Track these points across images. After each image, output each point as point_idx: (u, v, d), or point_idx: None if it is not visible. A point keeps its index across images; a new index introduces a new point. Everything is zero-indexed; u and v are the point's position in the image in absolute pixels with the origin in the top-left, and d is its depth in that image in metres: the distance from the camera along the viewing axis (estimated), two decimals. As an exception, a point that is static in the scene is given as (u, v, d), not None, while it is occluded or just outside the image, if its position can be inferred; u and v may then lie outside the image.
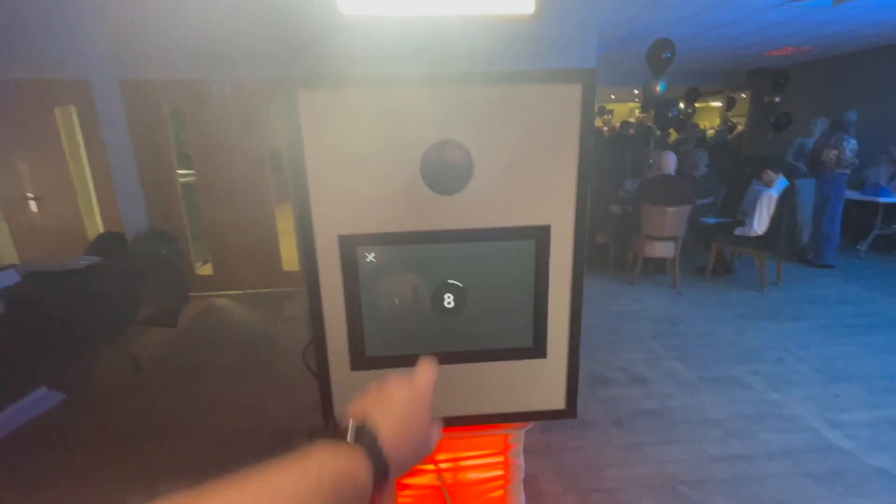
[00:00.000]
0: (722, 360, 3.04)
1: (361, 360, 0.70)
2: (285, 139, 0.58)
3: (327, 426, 0.72)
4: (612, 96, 12.79)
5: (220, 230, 4.48)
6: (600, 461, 2.13)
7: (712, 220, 4.93)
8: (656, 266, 4.97)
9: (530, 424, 0.81)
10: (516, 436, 0.82)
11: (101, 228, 4.30)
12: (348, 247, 0.65)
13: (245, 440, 2.31)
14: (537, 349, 0.72)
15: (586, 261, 3.16)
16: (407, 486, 0.81)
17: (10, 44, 2.89)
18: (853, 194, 5.43)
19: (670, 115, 5.08)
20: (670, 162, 4.24)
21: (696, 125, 7.12)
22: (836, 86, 7.47)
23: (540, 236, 0.67)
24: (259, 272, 4.58)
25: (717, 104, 12.45)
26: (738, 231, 4.38)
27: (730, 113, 10.90)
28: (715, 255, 4.61)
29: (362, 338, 0.69)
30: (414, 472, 0.80)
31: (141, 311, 3.29)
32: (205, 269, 4.78)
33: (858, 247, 5.52)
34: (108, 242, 3.98)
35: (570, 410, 0.74)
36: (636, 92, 11.64)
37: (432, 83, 0.59)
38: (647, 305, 4.04)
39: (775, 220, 4.06)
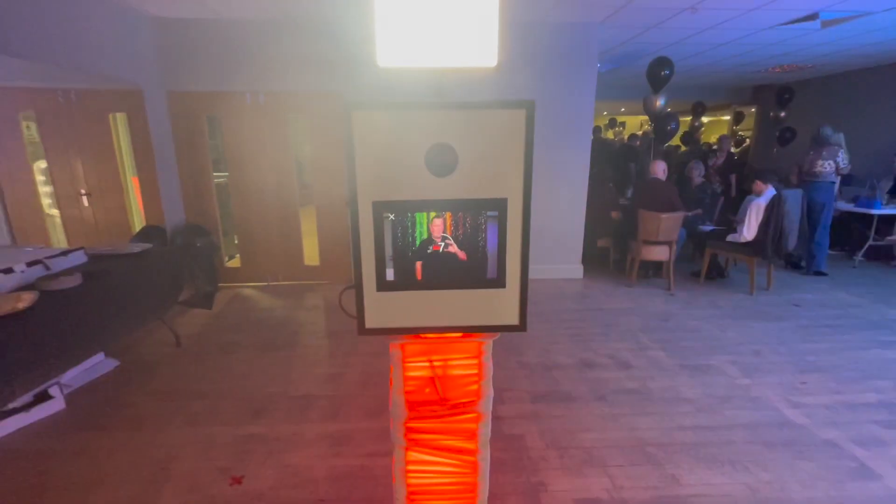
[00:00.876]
0: (702, 352, 3.33)
1: (383, 284, 1.06)
2: (343, 142, 0.95)
3: (361, 325, 1.09)
4: (623, 109, 13.08)
5: (248, 227, 4.92)
6: (580, 426, 2.45)
7: (708, 228, 5.21)
8: (655, 270, 5.25)
9: (498, 335, 1.15)
10: (487, 344, 1.16)
11: (143, 222, 4.77)
12: (377, 210, 1.02)
13: (273, 401, 2.68)
14: (500, 282, 1.07)
15: (588, 263, 3.61)
16: (411, 378, 1.16)
17: (73, 56, 3.36)
18: (847, 206, 5.65)
19: (670, 128, 5.39)
20: (659, 168, 4.56)
21: (728, 137, 7.41)
22: (840, 102, 7.68)
23: (501, 205, 1.02)
24: (282, 266, 5.00)
25: (728, 118, 12.64)
26: (729, 237, 4.66)
27: (738, 127, 11.12)
28: (708, 259, 4.88)
29: (384, 269, 1.05)
30: (415, 368, 1.15)
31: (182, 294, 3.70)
32: (233, 262, 5.22)
33: (854, 257, 5.72)
34: (151, 234, 4.44)
35: (521, 325, 1.09)
36: (645, 105, 11.88)
37: (433, 108, 0.96)
38: (641, 304, 4.33)
39: (763, 227, 4.33)
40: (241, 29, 4.32)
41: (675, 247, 4.63)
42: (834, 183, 5.09)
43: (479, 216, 1.04)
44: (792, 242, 4.38)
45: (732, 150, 9.33)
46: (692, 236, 5.26)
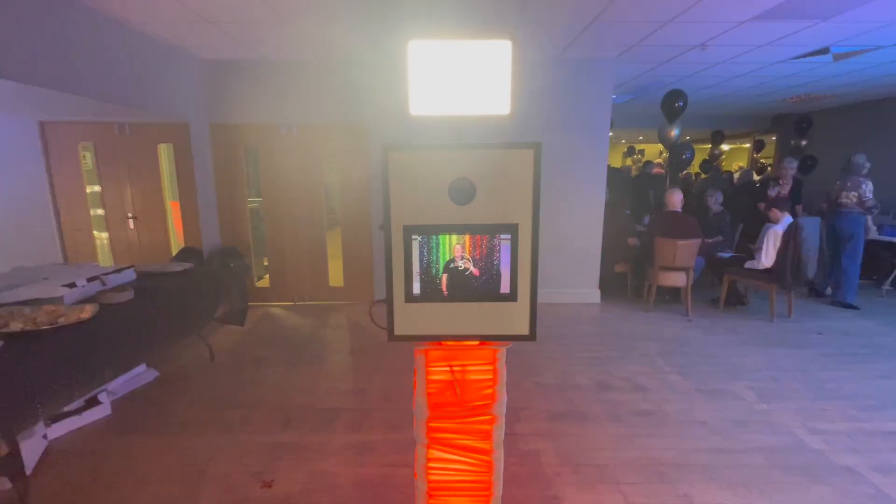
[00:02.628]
0: (720, 377, 3.34)
1: (411, 297, 1.23)
2: (380, 176, 1.14)
3: (391, 332, 1.25)
4: (641, 137, 13.24)
5: (278, 249, 5.21)
6: (595, 445, 2.51)
7: (727, 255, 5.23)
8: (673, 296, 5.27)
9: (511, 344, 1.29)
10: (501, 351, 1.30)
11: (180, 244, 5.10)
12: (407, 232, 1.20)
13: (301, 412, 2.84)
14: (512, 296, 1.23)
15: (606, 288, 3.79)
16: (432, 382, 1.30)
17: (135, 96, 3.76)
18: (873, 235, 5.59)
19: (684, 157, 5.51)
20: (676, 199, 4.66)
21: (794, 161, 5.95)
22: (862, 131, 7.66)
23: (513, 230, 1.19)
24: (309, 287, 5.24)
25: (748, 145, 12.62)
26: (748, 264, 4.68)
27: (759, 155, 11.09)
28: (727, 286, 4.89)
29: (412, 284, 1.22)
30: (436, 372, 1.29)
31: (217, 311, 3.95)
32: (262, 282, 5.49)
33: (882, 286, 5.61)
34: (189, 255, 4.76)
35: (531, 335, 1.24)
36: (664, 133, 11.98)
37: (455, 148, 1.14)
38: (658, 329, 4.36)
39: (781, 255, 4.35)
40: (278, 68, 4.71)
41: (692, 273, 4.67)
42: (862, 214, 4.90)
43: (493, 239, 1.21)
44: (811, 270, 4.37)
45: (755, 176, 9.29)
46: (711, 263, 5.28)
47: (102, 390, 2.87)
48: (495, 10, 3.28)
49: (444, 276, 1.24)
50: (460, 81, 1.16)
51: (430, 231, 1.20)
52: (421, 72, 1.15)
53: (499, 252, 1.21)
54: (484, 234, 1.21)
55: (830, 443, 2.53)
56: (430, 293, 1.24)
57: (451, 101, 1.17)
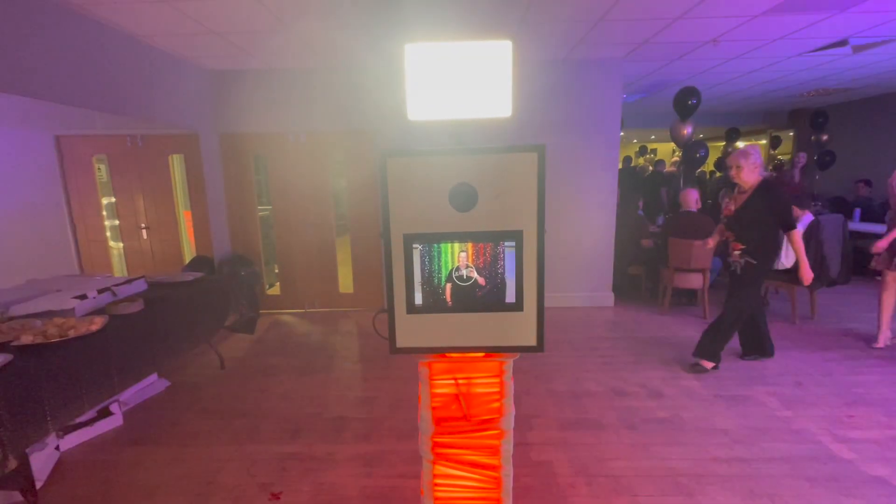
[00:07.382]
0: (740, 382, 3.23)
1: (413, 307, 1.19)
2: (379, 183, 1.10)
3: (392, 345, 1.21)
4: (653, 136, 13.05)
5: (288, 257, 5.22)
6: (610, 455, 2.43)
7: (744, 255, 5.07)
8: (689, 298, 5.14)
9: (518, 356, 1.24)
10: (508, 364, 1.25)
11: (193, 253, 5.15)
12: (408, 241, 1.16)
13: (309, 422, 2.81)
14: (518, 306, 1.18)
15: (620, 290, 3.63)
16: (437, 396, 1.26)
17: (146, 109, 3.81)
18: None
19: (698, 155, 5.38)
20: (691, 199, 4.54)
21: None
22: (881, 124, 7.43)
23: (517, 236, 1.15)
24: (319, 293, 5.24)
25: (764, 142, 12.35)
26: (767, 264, 4.53)
27: (776, 151, 10.83)
28: (745, 287, 4.74)
29: (413, 295, 1.18)
30: (441, 385, 1.25)
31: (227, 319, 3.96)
32: (273, 290, 5.51)
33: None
34: (200, 264, 4.79)
35: (539, 346, 1.18)
36: (676, 132, 11.78)
37: (456, 153, 1.10)
38: (674, 332, 4.25)
39: (802, 254, 4.20)
40: (285, 77, 4.74)
41: (708, 274, 4.55)
42: None
43: (497, 246, 1.16)
44: (834, 269, 4.21)
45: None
46: (728, 264, 5.13)
47: (114, 401, 2.89)
48: (499, 11, 3.24)
49: (448, 286, 1.19)
50: (460, 84, 1.12)
51: (431, 239, 1.16)
52: (419, 75, 1.12)
53: (503, 260, 1.17)
54: (487, 241, 1.16)
55: (859, 451, 2.41)
56: (433, 303, 1.20)
57: (450, 105, 1.13)
